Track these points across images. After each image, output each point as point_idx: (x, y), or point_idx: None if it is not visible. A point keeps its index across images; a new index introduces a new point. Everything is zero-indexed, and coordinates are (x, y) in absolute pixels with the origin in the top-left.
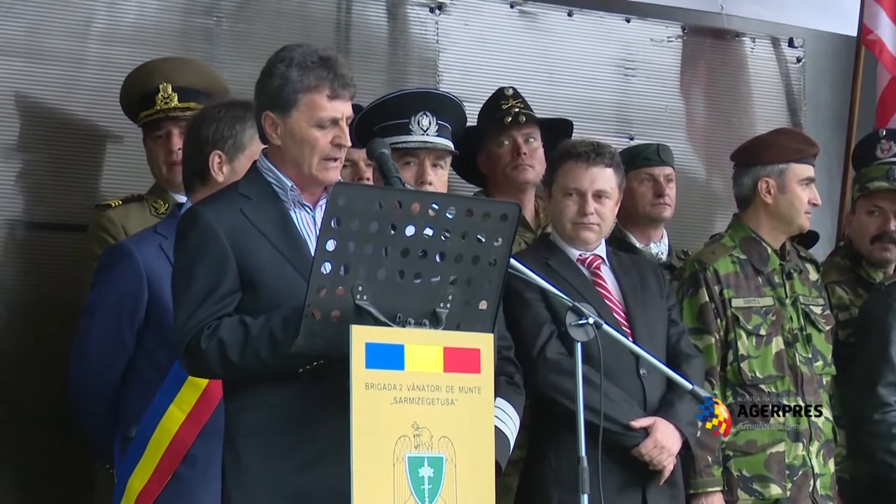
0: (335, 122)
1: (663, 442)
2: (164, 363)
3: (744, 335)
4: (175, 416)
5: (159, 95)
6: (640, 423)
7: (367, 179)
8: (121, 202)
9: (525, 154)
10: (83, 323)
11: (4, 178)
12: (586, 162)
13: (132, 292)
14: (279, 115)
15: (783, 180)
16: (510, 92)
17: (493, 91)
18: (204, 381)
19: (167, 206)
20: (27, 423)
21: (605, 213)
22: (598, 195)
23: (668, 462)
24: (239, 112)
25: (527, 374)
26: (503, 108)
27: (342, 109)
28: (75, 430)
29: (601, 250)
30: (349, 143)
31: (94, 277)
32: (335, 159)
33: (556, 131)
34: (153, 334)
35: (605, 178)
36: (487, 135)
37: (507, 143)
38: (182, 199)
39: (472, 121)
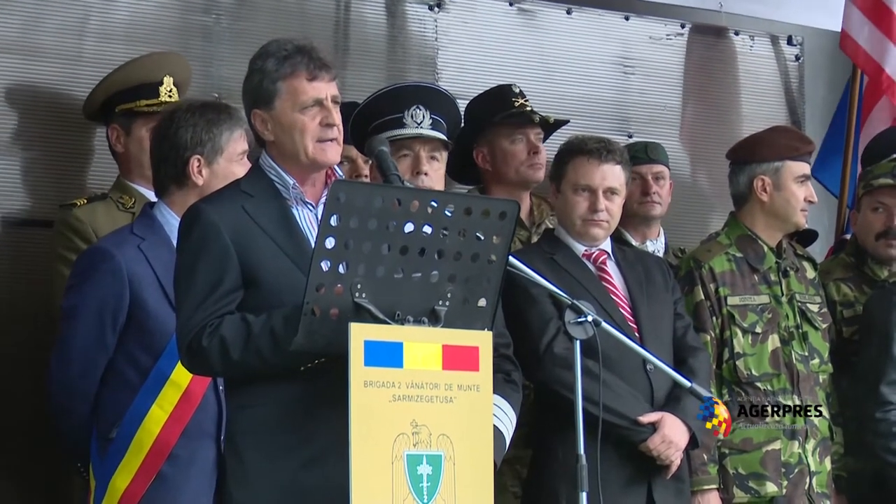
0: (319, 102)
1: (671, 437)
2: (145, 364)
3: (739, 333)
4: (157, 415)
5: (163, 87)
6: (647, 418)
7: (365, 177)
8: (86, 201)
9: (539, 153)
10: (65, 325)
11: (1, 175)
12: (598, 159)
13: (115, 295)
14: (265, 109)
15: (779, 178)
16: (517, 90)
17: (489, 88)
18: (185, 381)
19: (133, 200)
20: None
21: (614, 210)
22: (608, 192)
23: (676, 457)
24: (212, 115)
25: (532, 369)
26: (515, 105)
27: (325, 90)
28: (48, 429)
29: (606, 245)
30: (338, 122)
31: (73, 279)
32: (330, 139)
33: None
34: (134, 336)
35: (615, 175)
36: (495, 130)
37: (521, 140)
38: (152, 194)
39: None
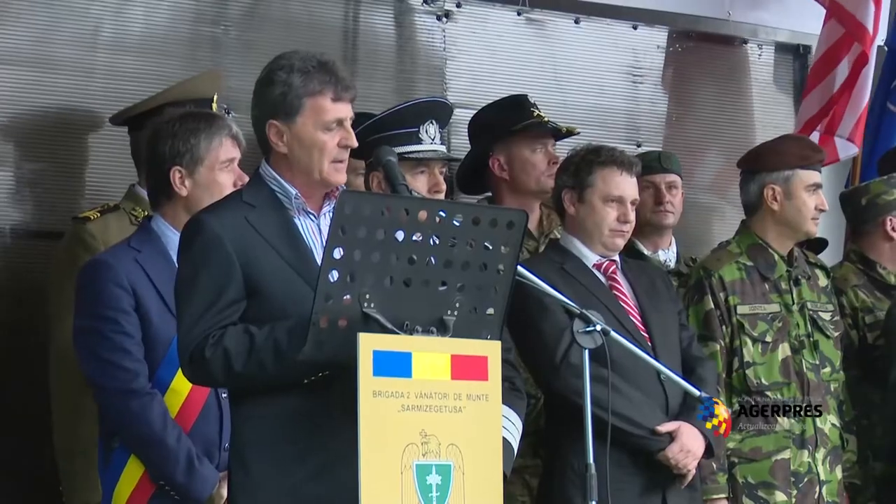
0: (340, 123)
1: (689, 446)
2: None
3: (749, 342)
4: None
5: (214, 105)
6: (665, 427)
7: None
8: (98, 214)
9: (557, 164)
10: (91, 341)
11: (13, 185)
12: (629, 171)
13: (122, 308)
14: (284, 122)
15: (789, 187)
16: (532, 100)
17: (501, 98)
18: (186, 389)
19: (145, 212)
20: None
21: (633, 221)
22: (633, 203)
23: (693, 466)
24: (192, 124)
25: (549, 379)
26: (534, 115)
27: (345, 111)
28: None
29: (615, 255)
30: (355, 144)
31: (81, 297)
32: (342, 160)
33: None
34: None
35: (637, 187)
36: (514, 139)
37: (541, 150)
38: None
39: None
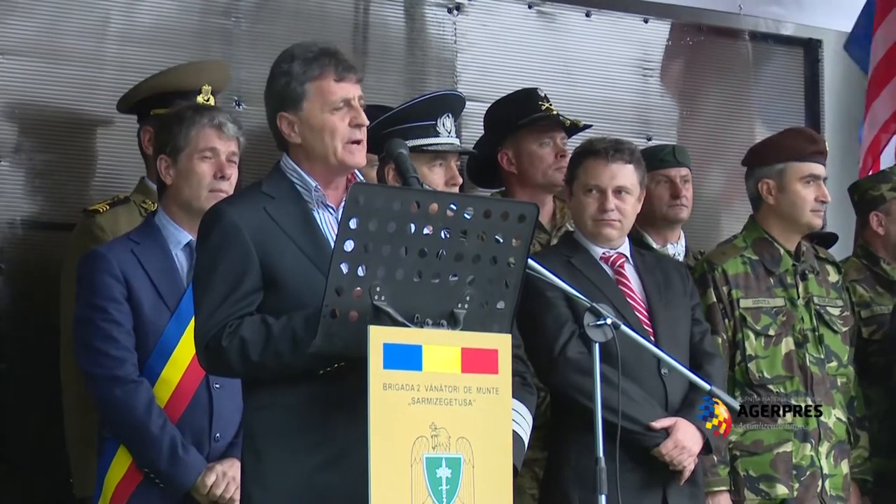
0: (348, 102)
1: (684, 442)
2: (138, 361)
3: (751, 335)
4: None
5: (201, 96)
6: (660, 423)
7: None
8: (108, 206)
9: (565, 157)
10: (85, 332)
11: (22, 178)
12: (605, 158)
13: (115, 297)
14: (292, 111)
15: (782, 180)
16: (542, 94)
17: (512, 91)
18: (176, 379)
19: (156, 205)
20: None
21: (627, 210)
22: (619, 191)
23: (689, 462)
24: (181, 114)
25: (547, 373)
26: (542, 108)
27: (352, 90)
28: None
29: (625, 248)
30: (367, 122)
31: (77, 288)
32: (358, 141)
33: None
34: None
35: (625, 175)
36: (522, 133)
37: (548, 144)
38: None
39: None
